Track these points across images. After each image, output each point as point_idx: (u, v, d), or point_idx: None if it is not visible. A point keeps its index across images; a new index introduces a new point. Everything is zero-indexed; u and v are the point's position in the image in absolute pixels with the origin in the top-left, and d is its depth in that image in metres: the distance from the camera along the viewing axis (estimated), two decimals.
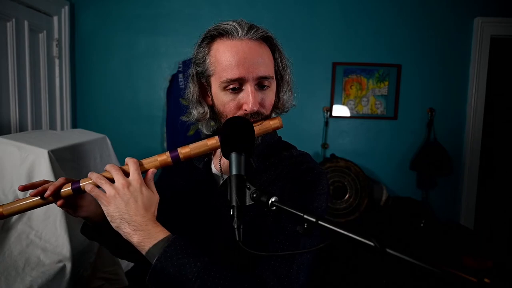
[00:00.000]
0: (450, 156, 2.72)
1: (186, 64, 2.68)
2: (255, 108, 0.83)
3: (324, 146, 2.79)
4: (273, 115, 0.94)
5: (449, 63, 2.74)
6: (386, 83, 2.75)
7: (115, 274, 1.52)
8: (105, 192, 0.75)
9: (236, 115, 0.85)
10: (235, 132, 0.74)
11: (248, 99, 0.83)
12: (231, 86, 0.84)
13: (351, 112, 2.79)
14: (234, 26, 0.84)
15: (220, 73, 0.84)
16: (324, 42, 2.73)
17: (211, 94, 0.91)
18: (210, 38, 0.87)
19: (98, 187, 0.77)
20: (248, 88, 0.83)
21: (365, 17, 2.72)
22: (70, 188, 0.81)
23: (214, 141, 0.83)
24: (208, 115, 0.94)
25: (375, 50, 2.73)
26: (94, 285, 1.42)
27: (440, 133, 2.73)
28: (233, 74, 0.82)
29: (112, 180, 0.76)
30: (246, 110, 0.84)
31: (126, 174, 0.77)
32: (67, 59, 2.63)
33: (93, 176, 0.78)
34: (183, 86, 2.70)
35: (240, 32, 0.83)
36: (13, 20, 2.09)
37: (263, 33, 0.86)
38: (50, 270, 1.17)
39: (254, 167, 0.90)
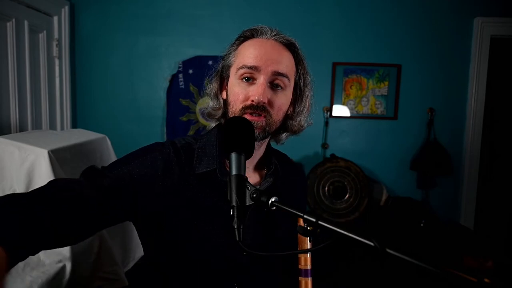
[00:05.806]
0: (450, 156, 2.72)
1: (186, 64, 2.68)
2: (261, 99, 0.83)
3: (324, 146, 2.79)
4: (284, 135, 0.96)
5: (449, 63, 2.73)
6: (386, 83, 2.75)
7: (115, 274, 1.51)
8: None
9: (243, 105, 0.85)
10: (235, 132, 0.73)
11: (257, 90, 0.84)
12: (245, 74, 0.86)
13: (351, 112, 2.78)
14: (265, 28, 0.91)
15: (238, 61, 0.89)
16: (324, 42, 2.73)
17: (227, 86, 0.93)
18: (243, 38, 0.92)
19: None
20: (260, 80, 0.85)
21: (365, 17, 2.71)
22: None
23: None
24: (220, 111, 0.95)
25: (375, 50, 2.73)
26: (94, 285, 1.42)
27: (440, 133, 2.73)
28: (250, 61, 0.86)
29: None
30: (253, 100, 0.84)
31: None
32: (67, 59, 2.63)
33: None
34: (183, 86, 2.70)
35: (268, 33, 0.90)
36: (13, 20, 2.09)
37: (288, 39, 0.91)
38: (50, 270, 1.17)
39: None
